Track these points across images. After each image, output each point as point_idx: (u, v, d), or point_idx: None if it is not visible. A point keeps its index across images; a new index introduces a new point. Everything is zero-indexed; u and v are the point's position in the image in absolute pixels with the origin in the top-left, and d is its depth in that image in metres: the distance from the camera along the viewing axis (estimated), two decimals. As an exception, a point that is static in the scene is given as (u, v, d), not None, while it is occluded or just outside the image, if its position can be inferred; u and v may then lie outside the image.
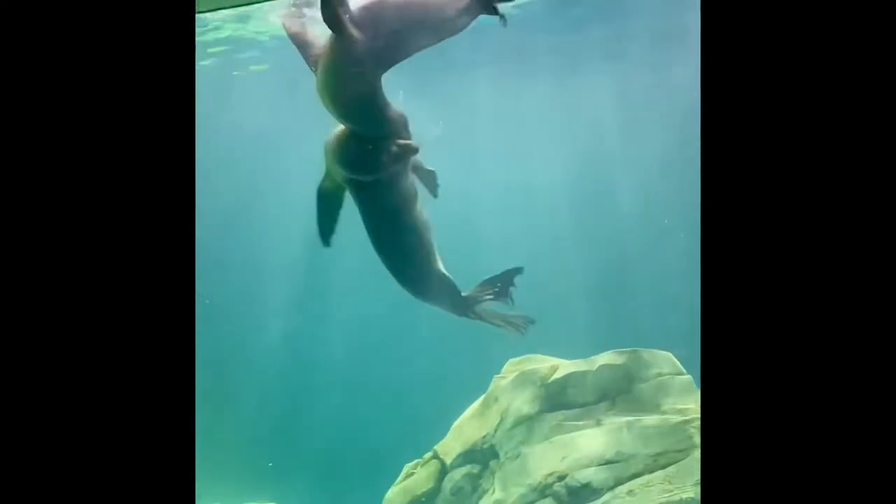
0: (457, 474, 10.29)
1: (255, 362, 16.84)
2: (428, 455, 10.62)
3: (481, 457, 10.24)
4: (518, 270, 6.43)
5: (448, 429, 10.70)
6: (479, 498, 10.02)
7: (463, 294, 6.22)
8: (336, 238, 5.83)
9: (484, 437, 10.25)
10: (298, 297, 17.06)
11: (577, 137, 17.76)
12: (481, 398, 10.67)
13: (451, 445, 10.47)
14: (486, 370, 11.00)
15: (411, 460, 10.79)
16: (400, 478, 10.71)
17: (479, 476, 10.23)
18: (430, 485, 10.38)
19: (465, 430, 10.46)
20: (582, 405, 9.95)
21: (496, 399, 10.43)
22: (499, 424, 10.20)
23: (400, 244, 5.72)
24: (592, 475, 9.20)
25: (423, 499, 10.34)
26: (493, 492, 9.83)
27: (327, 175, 5.54)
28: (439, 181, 6.11)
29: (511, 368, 10.68)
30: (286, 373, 16.47)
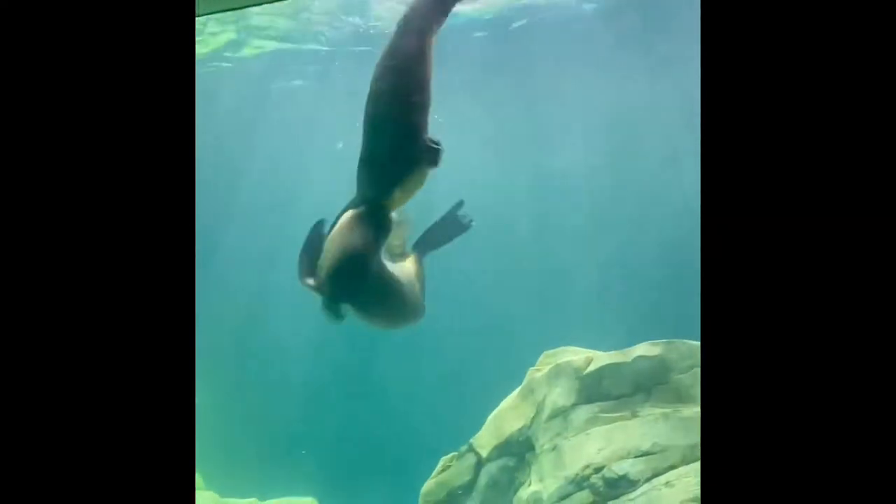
0: (493, 467, 10.31)
1: (289, 356, 16.92)
2: (464, 448, 10.64)
3: (517, 449, 10.25)
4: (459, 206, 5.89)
5: (484, 422, 10.72)
6: (516, 490, 10.03)
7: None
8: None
9: (520, 429, 10.26)
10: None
11: (611, 126, 17.66)
12: (517, 391, 10.67)
13: (486, 438, 10.48)
14: (521, 363, 10.99)
15: (447, 453, 10.81)
16: (436, 471, 10.75)
17: (515, 469, 10.24)
18: (467, 477, 10.40)
19: (501, 422, 10.46)
20: (618, 397, 9.93)
21: (532, 391, 10.43)
22: (534, 417, 10.20)
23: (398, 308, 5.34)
24: (629, 467, 9.18)
25: (460, 491, 10.37)
26: (530, 484, 9.84)
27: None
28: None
29: (546, 361, 10.67)
30: (322, 366, 16.53)
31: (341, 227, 5.00)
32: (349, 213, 5.00)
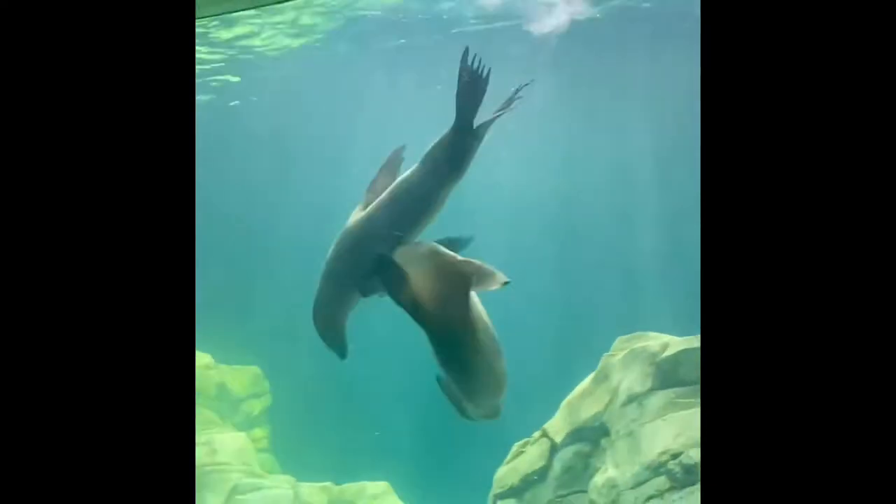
0: (567, 453, 10.24)
1: (364, 343, 17.01)
2: (537, 434, 10.59)
3: (592, 435, 10.16)
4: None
5: (557, 407, 10.65)
6: (591, 476, 9.95)
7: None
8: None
9: (594, 415, 10.16)
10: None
11: (687, 106, 17.38)
12: (591, 376, 10.57)
13: (560, 424, 10.41)
14: (596, 348, 10.89)
15: (520, 439, 10.78)
16: (510, 456, 10.72)
17: (589, 454, 10.16)
18: (541, 463, 10.35)
19: (575, 408, 10.38)
20: (694, 382, 9.75)
21: (606, 377, 10.32)
22: (609, 402, 10.10)
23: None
24: (707, 453, 9.02)
25: (535, 477, 10.32)
26: (606, 470, 9.75)
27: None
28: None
29: (621, 346, 10.55)
30: (395, 351, 16.59)
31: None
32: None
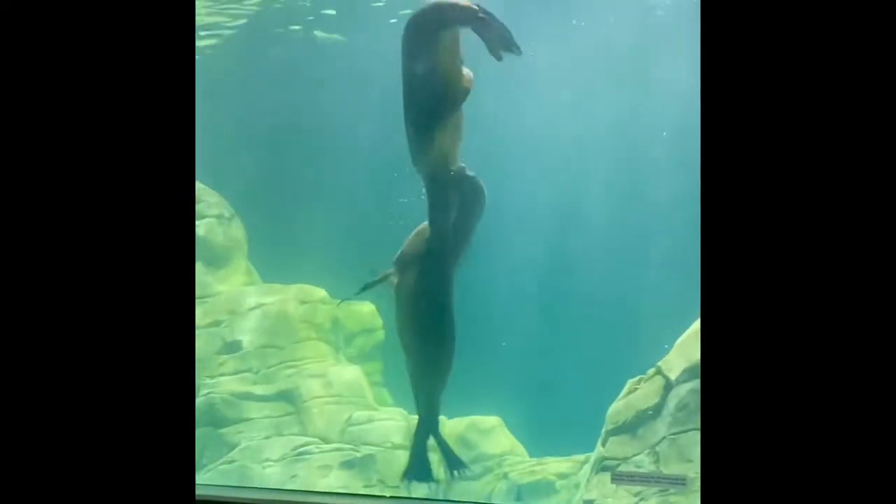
0: (681, 390, 10.14)
1: (477, 280, 16.96)
2: (651, 371, 10.50)
3: (708, 373, 10.02)
4: None
5: (672, 345, 10.54)
6: (706, 414, 9.84)
7: None
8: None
9: (710, 352, 10.02)
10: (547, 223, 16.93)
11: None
12: (707, 314, 10.40)
13: (675, 361, 10.31)
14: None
15: (634, 376, 10.71)
16: (623, 393, 10.68)
17: (705, 392, 10.04)
18: (655, 400, 10.28)
19: (691, 345, 10.25)
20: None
21: (723, 315, 10.14)
22: (726, 340, 9.95)
23: None
24: (829, 393, 8.82)
25: (649, 413, 10.27)
26: (721, 409, 9.64)
27: None
28: None
29: (739, 283, 10.35)
30: (505, 286, 16.55)
31: None
32: None
